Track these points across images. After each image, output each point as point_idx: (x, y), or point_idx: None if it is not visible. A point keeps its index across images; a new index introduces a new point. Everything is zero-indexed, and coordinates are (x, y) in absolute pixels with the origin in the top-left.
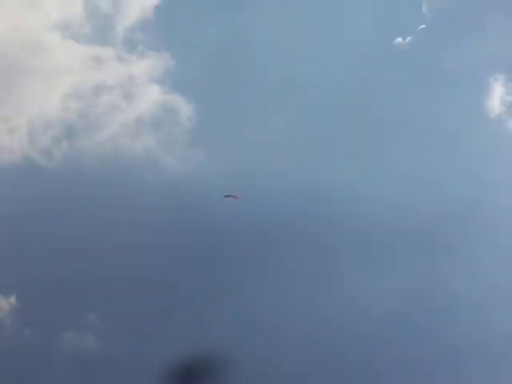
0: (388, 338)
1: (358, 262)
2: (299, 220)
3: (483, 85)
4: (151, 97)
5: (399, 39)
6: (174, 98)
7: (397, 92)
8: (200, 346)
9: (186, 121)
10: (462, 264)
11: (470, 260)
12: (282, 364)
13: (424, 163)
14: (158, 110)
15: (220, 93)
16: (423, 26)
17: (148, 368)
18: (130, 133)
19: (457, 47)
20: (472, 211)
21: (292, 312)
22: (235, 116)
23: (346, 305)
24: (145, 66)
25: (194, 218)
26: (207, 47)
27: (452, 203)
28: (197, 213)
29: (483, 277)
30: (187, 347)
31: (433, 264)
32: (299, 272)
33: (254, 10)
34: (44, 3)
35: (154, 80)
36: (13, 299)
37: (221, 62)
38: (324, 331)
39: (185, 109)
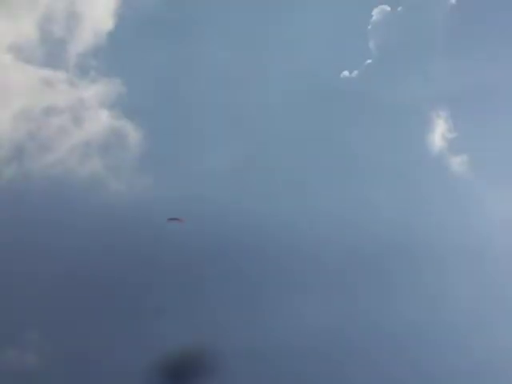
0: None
1: (285, 291)
2: (239, 248)
3: (426, 120)
4: (101, 121)
5: (346, 72)
6: (123, 123)
7: (343, 124)
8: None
9: (134, 146)
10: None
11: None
12: None
13: (366, 196)
14: (107, 135)
15: (169, 120)
16: (369, 60)
17: None
18: (78, 156)
19: (402, 83)
20: (410, 244)
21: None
22: (182, 143)
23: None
24: (96, 90)
25: (138, 241)
26: (158, 74)
27: (393, 236)
28: (142, 237)
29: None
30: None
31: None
32: (236, 300)
33: (204, 39)
34: None
35: (104, 105)
36: None
37: (170, 89)
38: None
39: (133, 134)
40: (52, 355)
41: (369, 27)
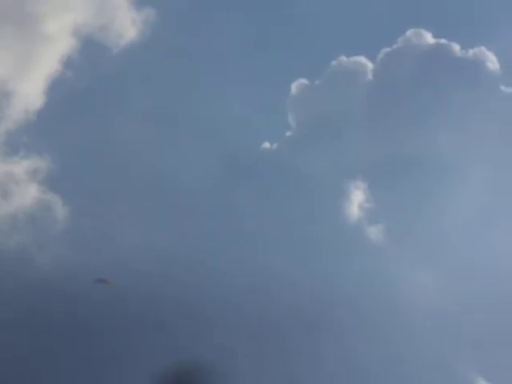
0: None
1: None
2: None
3: (344, 191)
4: (29, 196)
5: (266, 144)
6: (52, 197)
7: (262, 195)
8: None
9: (61, 220)
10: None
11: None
12: None
13: (284, 267)
14: (35, 209)
15: (95, 196)
16: (289, 133)
17: None
18: (5, 229)
19: (321, 154)
20: (324, 315)
21: None
22: (108, 218)
23: None
24: (26, 166)
25: (64, 315)
26: (85, 150)
27: (306, 306)
28: (67, 310)
29: None
30: None
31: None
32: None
33: (125, 114)
34: None
35: (33, 180)
36: None
37: (97, 165)
38: None
39: (61, 209)
40: None
41: (288, 100)
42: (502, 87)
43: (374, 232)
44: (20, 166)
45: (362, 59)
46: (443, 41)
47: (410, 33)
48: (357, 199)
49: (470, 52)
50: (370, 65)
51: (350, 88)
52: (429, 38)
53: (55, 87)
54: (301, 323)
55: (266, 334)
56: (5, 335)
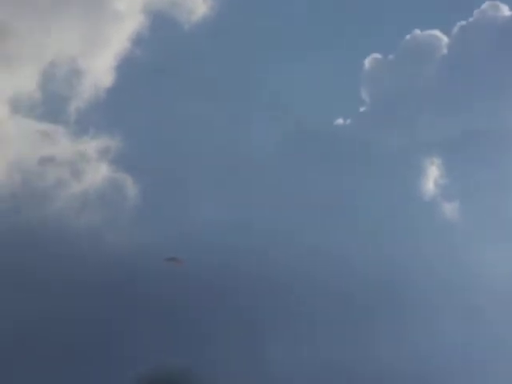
0: None
1: None
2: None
3: (419, 167)
4: (100, 175)
5: (340, 120)
6: (122, 176)
7: (337, 171)
8: None
9: (131, 199)
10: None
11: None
12: None
13: (359, 241)
14: (106, 188)
15: (165, 173)
16: (363, 108)
17: None
18: (76, 207)
19: (395, 130)
20: (402, 286)
21: None
22: (178, 196)
23: None
24: (96, 145)
25: (134, 292)
26: (155, 129)
27: (382, 281)
28: (137, 288)
29: None
30: None
31: None
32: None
33: (199, 92)
34: None
35: (104, 159)
36: None
37: (167, 143)
38: None
39: (132, 188)
40: None
41: (361, 75)
42: None
43: (450, 209)
44: (90, 146)
45: (437, 33)
46: None
47: (485, 5)
48: (432, 175)
49: None
50: (445, 39)
51: (424, 62)
52: (505, 11)
53: (125, 65)
54: (378, 299)
55: (343, 307)
56: (73, 310)
